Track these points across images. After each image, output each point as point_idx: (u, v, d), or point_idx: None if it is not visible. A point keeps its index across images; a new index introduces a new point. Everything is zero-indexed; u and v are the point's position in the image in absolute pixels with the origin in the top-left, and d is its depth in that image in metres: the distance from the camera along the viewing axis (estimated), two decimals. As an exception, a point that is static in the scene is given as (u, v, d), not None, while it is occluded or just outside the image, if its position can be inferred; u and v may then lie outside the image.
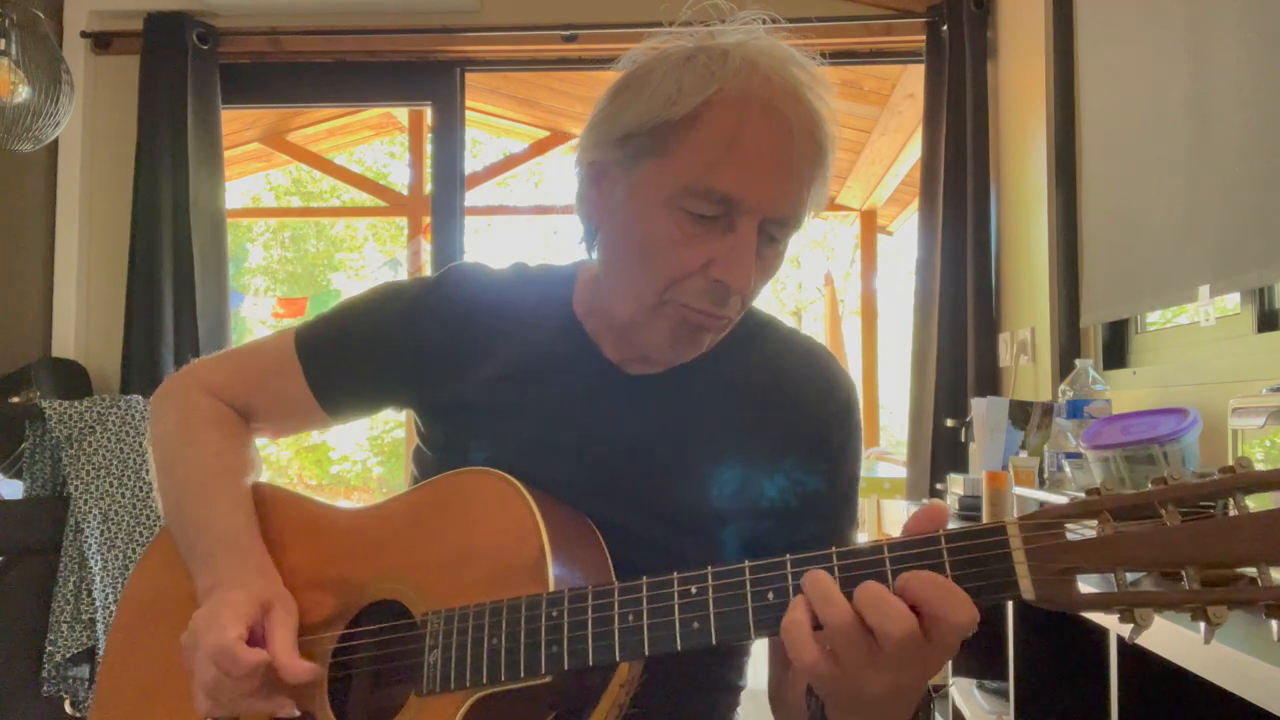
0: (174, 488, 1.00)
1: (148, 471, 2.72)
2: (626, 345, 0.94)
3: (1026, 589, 0.64)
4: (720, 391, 0.95)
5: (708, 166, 0.82)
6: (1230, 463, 0.62)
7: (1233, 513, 0.61)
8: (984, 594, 0.65)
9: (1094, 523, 0.64)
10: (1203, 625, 0.61)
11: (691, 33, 0.87)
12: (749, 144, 0.81)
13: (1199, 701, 0.98)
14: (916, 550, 0.67)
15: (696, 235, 0.83)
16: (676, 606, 0.72)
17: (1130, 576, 0.63)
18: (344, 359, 1.00)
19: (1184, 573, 0.61)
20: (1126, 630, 0.63)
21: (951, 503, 2.20)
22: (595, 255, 0.93)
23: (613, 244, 0.90)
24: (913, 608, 0.64)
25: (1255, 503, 0.61)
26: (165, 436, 1.03)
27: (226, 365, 1.07)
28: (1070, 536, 0.64)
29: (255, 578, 0.91)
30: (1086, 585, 0.65)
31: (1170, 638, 0.97)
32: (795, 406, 0.95)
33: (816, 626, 0.66)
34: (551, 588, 0.78)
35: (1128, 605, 0.62)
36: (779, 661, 0.96)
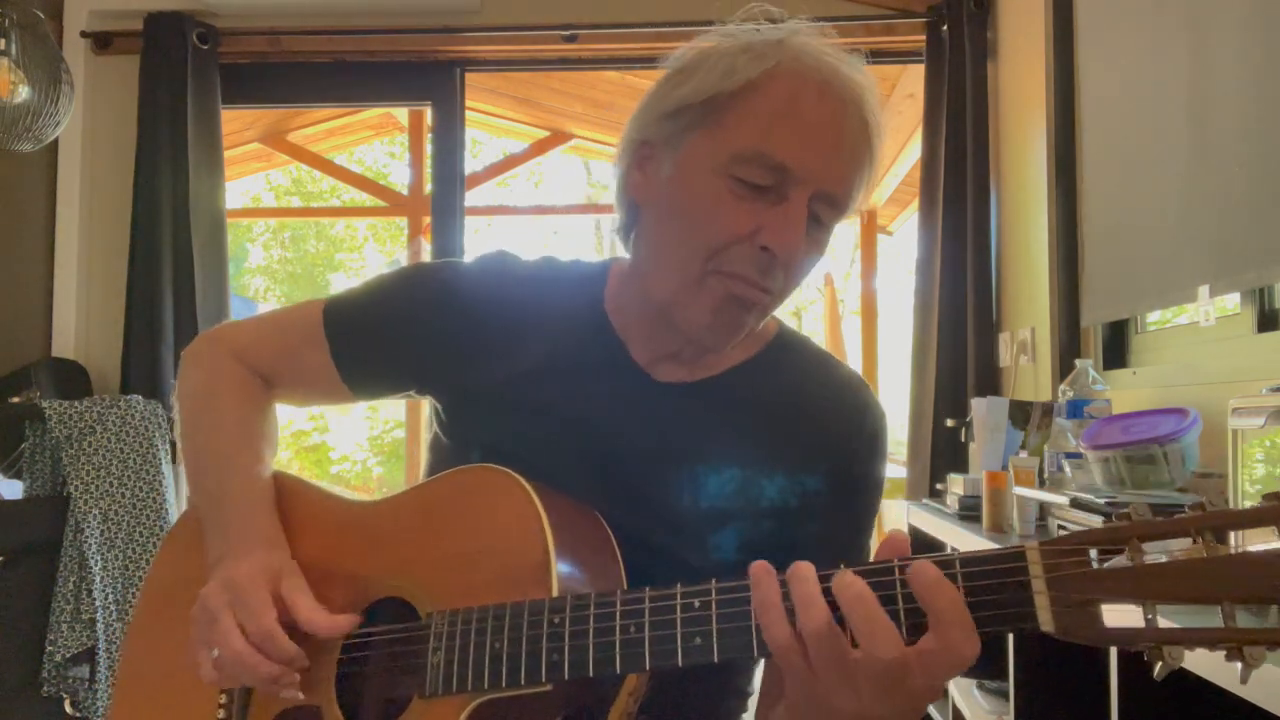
0: (195, 452, 1.01)
1: (148, 470, 2.72)
2: (661, 335, 0.92)
3: (1046, 621, 0.60)
4: (746, 408, 0.93)
5: (763, 133, 0.82)
6: (1267, 492, 0.57)
7: (1275, 545, 0.56)
8: (999, 623, 0.62)
9: (1123, 549, 0.60)
10: (1239, 665, 0.57)
11: (740, 30, 0.87)
12: (806, 114, 0.82)
13: (1199, 701, 0.98)
14: None
15: (747, 201, 0.83)
16: (679, 620, 0.70)
17: (1160, 608, 0.58)
18: (370, 339, 0.99)
19: (1220, 607, 0.57)
20: (1155, 667, 0.59)
21: (952, 503, 2.20)
22: (631, 246, 0.93)
23: (658, 220, 0.89)
24: (926, 617, 0.62)
25: None
26: (190, 397, 1.04)
27: (255, 330, 1.07)
28: (1095, 564, 0.60)
29: (262, 549, 0.91)
30: (1111, 617, 0.60)
31: (1170, 638, 0.97)
32: (822, 431, 0.93)
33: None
34: (555, 591, 0.77)
35: (1157, 643, 0.58)
36: (770, 691, 0.93)
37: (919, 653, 0.62)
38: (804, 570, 0.65)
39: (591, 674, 0.73)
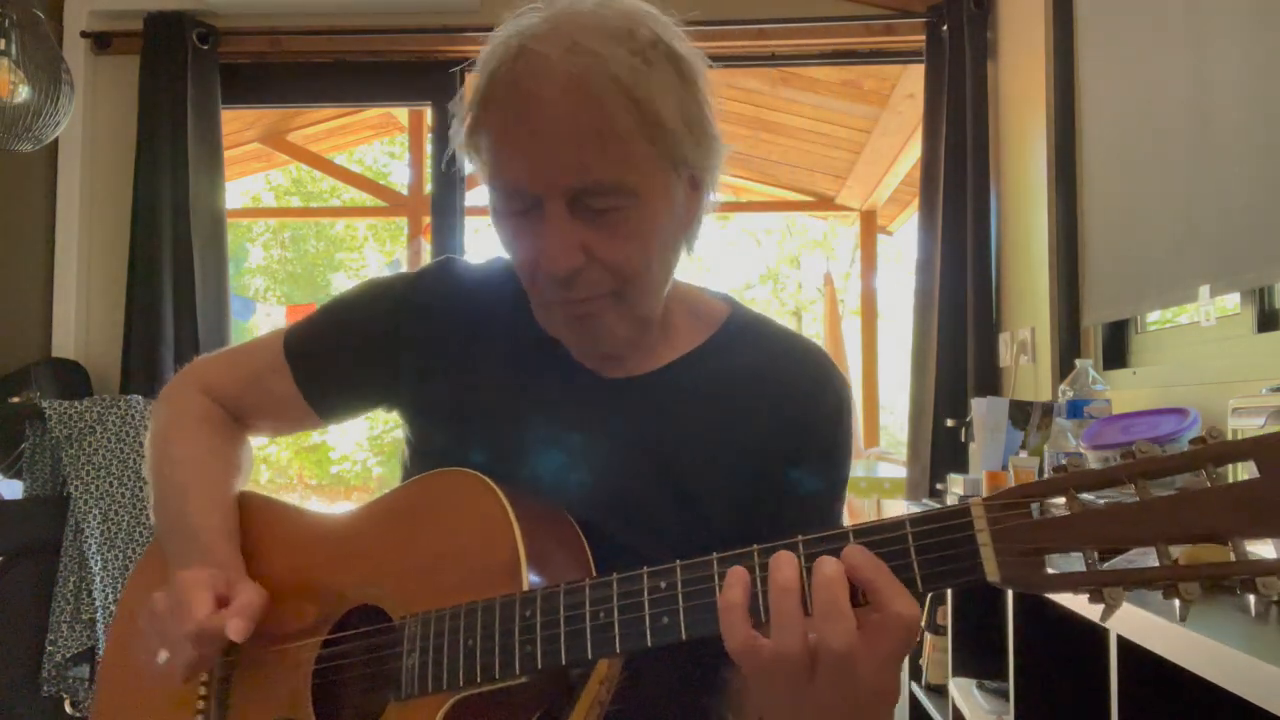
0: (158, 488, 1.01)
1: (148, 471, 2.72)
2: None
3: (991, 571, 0.63)
4: (702, 394, 0.92)
5: (492, 165, 0.83)
6: (1193, 438, 0.60)
7: (1205, 485, 0.59)
8: (948, 578, 0.64)
9: (1063, 500, 0.63)
10: (1176, 603, 0.59)
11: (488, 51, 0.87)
12: (508, 127, 0.81)
13: (1199, 701, 0.98)
14: (882, 535, 0.66)
15: (525, 229, 0.84)
16: (646, 602, 0.71)
17: (1101, 554, 0.61)
18: (330, 360, 0.99)
19: (1155, 549, 0.60)
20: (1097, 611, 0.62)
21: (952, 502, 2.20)
22: None
23: None
24: (856, 586, 0.65)
25: (1228, 474, 0.59)
26: (157, 438, 1.04)
27: (223, 364, 1.08)
28: (1038, 515, 0.63)
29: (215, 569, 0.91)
30: (1054, 564, 0.63)
31: (1170, 637, 0.97)
32: (782, 407, 0.92)
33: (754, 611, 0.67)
34: (526, 588, 0.77)
35: (1095, 585, 0.61)
36: (734, 680, 0.93)
37: (865, 634, 0.65)
38: (789, 578, 0.66)
39: (564, 662, 0.74)
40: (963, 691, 2.02)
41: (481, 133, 0.83)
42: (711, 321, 0.97)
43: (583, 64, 0.78)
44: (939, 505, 0.68)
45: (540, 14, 0.84)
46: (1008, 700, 1.59)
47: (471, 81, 0.86)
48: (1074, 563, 0.63)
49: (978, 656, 2.04)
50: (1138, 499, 0.61)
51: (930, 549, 0.65)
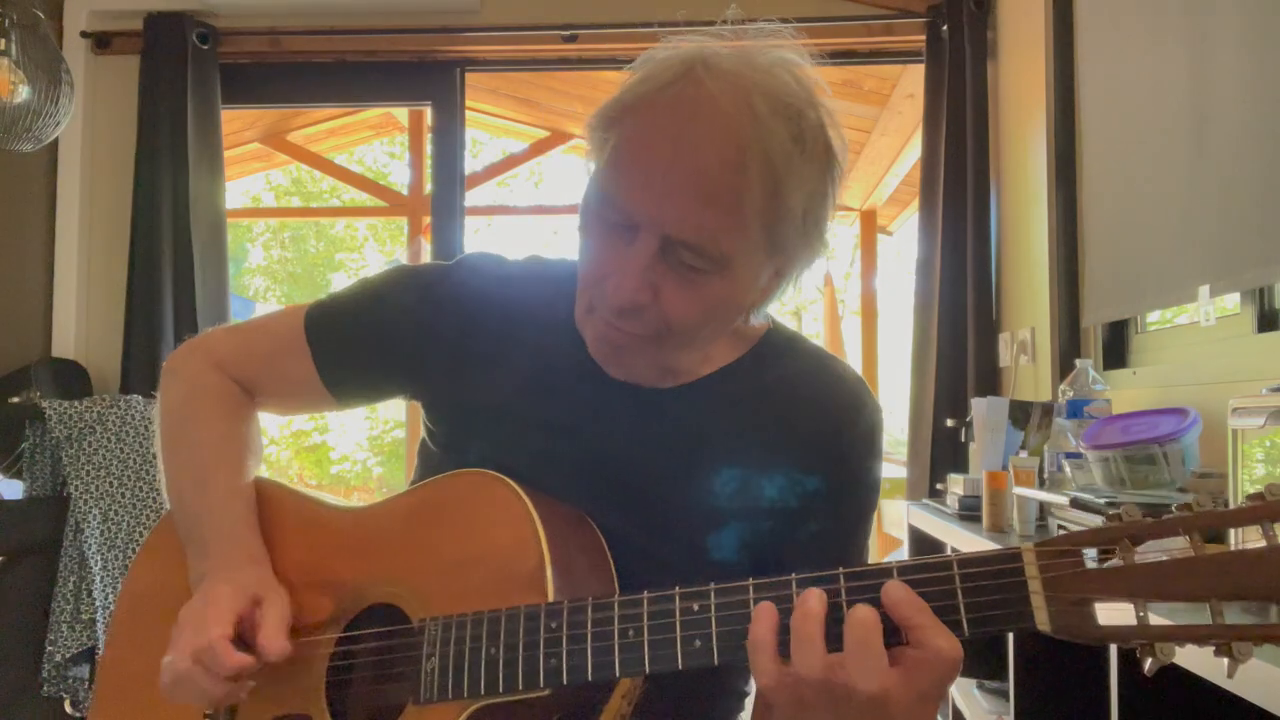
0: (175, 469, 0.99)
1: (148, 470, 2.72)
2: None
3: (1042, 620, 0.62)
4: (734, 409, 0.92)
5: (611, 173, 0.80)
6: (1259, 489, 0.59)
7: (1261, 543, 0.58)
8: (998, 623, 0.63)
9: (1114, 549, 0.62)
10: (1226, 660, 0.59)
11: (668, 46, 0.82)
12: (643, 153, 0.78)
13: (1199, 701, 0.98)
14: (927, 574, 0.65)
15: (611, 244, 0.81)
16: (678, 624, 0.71)
17: (1151, 606, 0.61)
18: (352, 345, 0.97)
19: (1209, 604, 0.59)
20: (1146, 663, 0.61)
21: (952, 503, 2.20)
22: None
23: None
24: (897, 625, 0.64)
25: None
26: (171, 413, 1.02)
27: (237, 339, 1.05)
28: (1089, 564, 0.62)
29: (246, 567, 0.90)
30: (1104, 615, 0.62)
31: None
32: (816, 423, 0.91)
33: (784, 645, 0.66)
34: (551, 597, 0.77)
35: (1149, 640, 0.60)
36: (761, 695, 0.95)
37: (901, 670, 0.64)
38: (812, 606, 0.66)
39: (590, 679, 0.73)
40: (963, 691, 2.02)
41: (619, 128, 0.80)
42: (749, 337, 0.96)
43: (748, 129, 0.75)
44: (993, 547, 0.66)
45: (725, 44, 0.81)
46: (1008, 700, 1.59)
47: (630, 76, 0.82)
48: (1121, 610, 0.62)
49: (978, 656, 2.04)
50: (1192, 553, 0.60)
51: (978, 592, 0.64)
